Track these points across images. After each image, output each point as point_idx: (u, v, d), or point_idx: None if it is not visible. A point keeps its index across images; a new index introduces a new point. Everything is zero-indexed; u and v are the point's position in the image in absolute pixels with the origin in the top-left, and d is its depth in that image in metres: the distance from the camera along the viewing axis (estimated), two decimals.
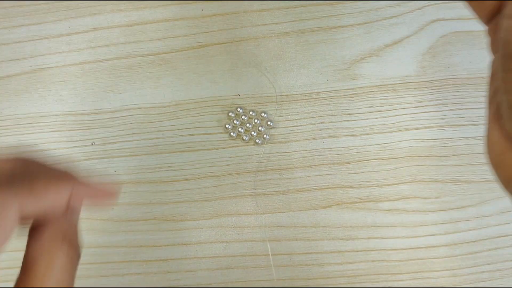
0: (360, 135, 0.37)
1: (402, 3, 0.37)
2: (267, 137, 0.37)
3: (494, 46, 0.21)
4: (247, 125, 0.37)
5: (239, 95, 0.37)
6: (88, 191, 0.22)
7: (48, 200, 0.21)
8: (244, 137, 0.37)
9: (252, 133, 0.37)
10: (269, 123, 0.37)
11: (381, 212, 0.36)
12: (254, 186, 0.37)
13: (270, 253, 0.36)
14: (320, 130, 0.37)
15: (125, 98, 0.37)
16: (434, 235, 0.36)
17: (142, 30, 0.38)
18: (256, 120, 0.37)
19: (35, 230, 0.22)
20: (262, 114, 0.37)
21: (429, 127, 0.37)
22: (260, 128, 0.37)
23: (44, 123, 0.38)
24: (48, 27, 0.38)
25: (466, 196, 0.36)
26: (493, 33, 0.21)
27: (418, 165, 0.36)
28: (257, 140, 0.37)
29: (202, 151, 0.37)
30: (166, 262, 0.37)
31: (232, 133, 0.37)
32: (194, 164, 0.37)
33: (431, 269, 0.36)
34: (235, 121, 0.37)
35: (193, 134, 0.37)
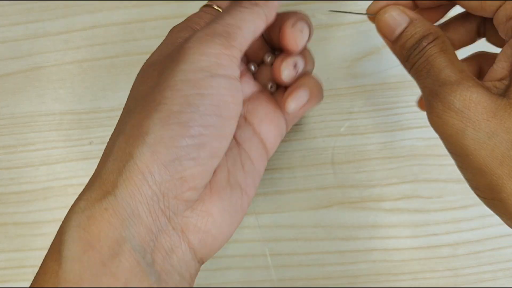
0: (361, 133, 0.36)
1: None
2: None
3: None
4: None
5: None
6: None
7: None
8: None
9: None
10: None
11: (383, 212, 0.36)
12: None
13: (268, 253, 0.36)
14: (321, 129, 0.37)
15: (123, 96, 0.37)
16: (436, 235, 0.36)
17: (140, 28, 0.38)
18: None
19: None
20: None
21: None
22: None
23: (42, 122, 0.37)
24: (45, 25, 0.38)
25: (468, 196, 0.36)
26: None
27: (420, 164, 0.36)
28: None
29: None
30: None
31: None
32: None
33: (433, 269, 0.36)
34: None
35: None
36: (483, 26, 0.27)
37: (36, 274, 0.21)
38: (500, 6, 0.23)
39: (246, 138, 0.28)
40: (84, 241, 0.20)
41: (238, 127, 0.27)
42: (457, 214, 0.36)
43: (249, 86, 0.29)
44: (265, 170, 0.36)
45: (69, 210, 0.22)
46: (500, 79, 0.23)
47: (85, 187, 0.23)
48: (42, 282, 0.20)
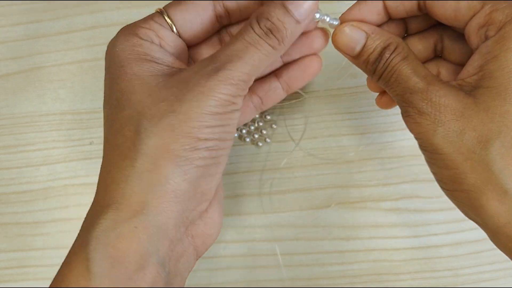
0: (361, 133, 0.36)
1: None
2: (269, 141, 0.36)
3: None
4: (250, 126, 0.36)
5: None
6: None
7: None
8: (246, 139, 0.36)
9: (255, 135, 0.36)
10: (273, 126, 0.36)
11: (383, 212, 0.36)
12: (257, 186, 0.36)
13: (278, 252, 0.36)
14: (321, 129, 0.37)
15: None
16: (436, 234, 0.36)
17: None
18: (260, 123, 0.36)
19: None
20: (267, 117, 0.36)
21: None
22: (263, 131, 0.36)
23: (42, 122, 0.37)
24: (46, 25, 0.38)
25: None
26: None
27: (420, 164, 0.36)
28: (259, 143, 0.36)
29: None
30: None
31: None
32: None
33: (433, 269, 0.36)
34: None
35: None
36: (441, 43, 0.29)
37: None
38: (472, 17, 0.24)
39: None
40: (113, 258, 0.22)
41: None
42: (457, 214, 0.35)
43: None
44: (266, 170, 0.37)
45: (89, 227, 0.22)
46: (467, 78, 0.25)
47: (97, 205, 0.23)
48: None
